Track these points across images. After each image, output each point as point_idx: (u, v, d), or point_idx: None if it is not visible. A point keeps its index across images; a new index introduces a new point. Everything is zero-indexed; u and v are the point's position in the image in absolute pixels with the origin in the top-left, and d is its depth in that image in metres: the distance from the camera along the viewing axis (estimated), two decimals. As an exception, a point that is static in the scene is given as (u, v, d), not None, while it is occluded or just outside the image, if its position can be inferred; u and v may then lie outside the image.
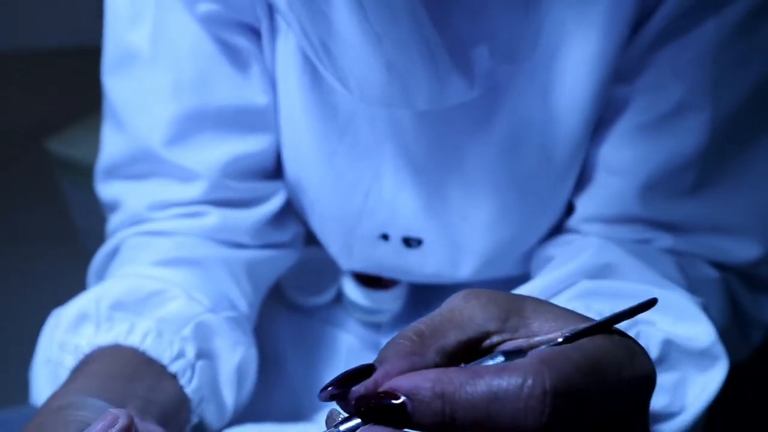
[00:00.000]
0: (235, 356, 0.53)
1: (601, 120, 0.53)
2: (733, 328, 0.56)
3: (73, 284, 0.58)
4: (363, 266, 0.66)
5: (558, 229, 0.60)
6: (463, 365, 0.27)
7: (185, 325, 0.50)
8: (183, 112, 0.55)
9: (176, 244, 0.55)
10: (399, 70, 0.46)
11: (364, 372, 0.27)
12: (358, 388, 0.27)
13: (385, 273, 0.67)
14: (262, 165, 0.59)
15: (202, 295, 0.53)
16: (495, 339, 0.28)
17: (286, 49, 0.54)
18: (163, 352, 0.48)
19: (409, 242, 0.60)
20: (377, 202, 0.58)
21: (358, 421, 0.26)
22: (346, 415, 0.27)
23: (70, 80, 2.17)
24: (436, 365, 0.27)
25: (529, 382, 0.24)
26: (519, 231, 0.58)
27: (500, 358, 0.27)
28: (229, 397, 0.52)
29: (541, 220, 0.58)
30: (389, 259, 0.63)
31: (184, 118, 0.55)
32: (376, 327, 0.72)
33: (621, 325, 0.44)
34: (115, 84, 0.57)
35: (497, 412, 0.24)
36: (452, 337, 0.28)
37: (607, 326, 0.28)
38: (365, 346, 0.70)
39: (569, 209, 0.58)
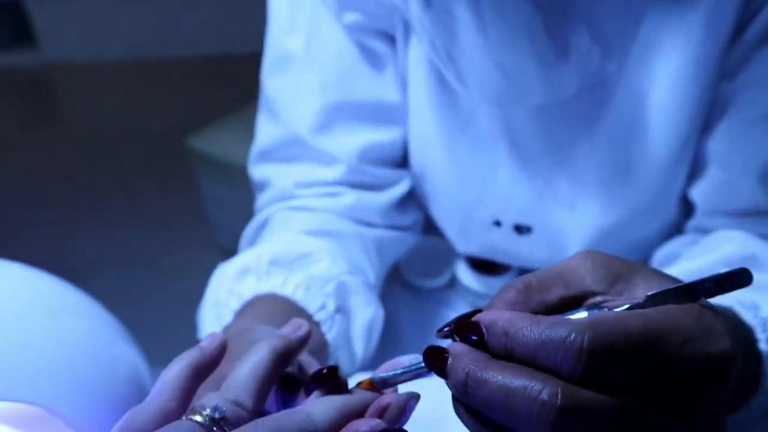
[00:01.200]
0: (366, 314, 0.60)
1: (709, 116, 0.56)
2: None
3: (202, 268, 0.62)
4: (478, 250, 0.72)
5: (677, 229, 0.62)
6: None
7: (328, 282, 0.57)
8: (327, 105, 0.63)
9: (318, 218, 0.64)
10: (511, 73, 0.52)
11: (472, 315, 0.32)
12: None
13: (498, 257, 0.72)
14: (392, 154, 0.67)
15: (341, 261, 0.61)
16: (598, 299, 0.31)
17: (417, 54, 0.61)
18: (310, 302, 0.55)
19: (520, 229, 0.66)
20: (492, 191, 0.64)
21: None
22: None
23: (210, 85, 2.35)
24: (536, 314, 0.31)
25: (572, 337, 0.27)
26: (625, 221, 0.62)
27: (583, 313, 0.29)
28: (359, 348, 0.59)
29: (648, 212, 0.62)
30: (502, 244, 0.68)
31: (328, 110, 0.63)
32: (486, 311, 0.77)
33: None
34: (273, 82, 0.66)
35: (542, 356, 0.27)
36: (556, 293, 0.31)
37: (687, 291, 0.29)
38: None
39: (687, 209, 0.61)
